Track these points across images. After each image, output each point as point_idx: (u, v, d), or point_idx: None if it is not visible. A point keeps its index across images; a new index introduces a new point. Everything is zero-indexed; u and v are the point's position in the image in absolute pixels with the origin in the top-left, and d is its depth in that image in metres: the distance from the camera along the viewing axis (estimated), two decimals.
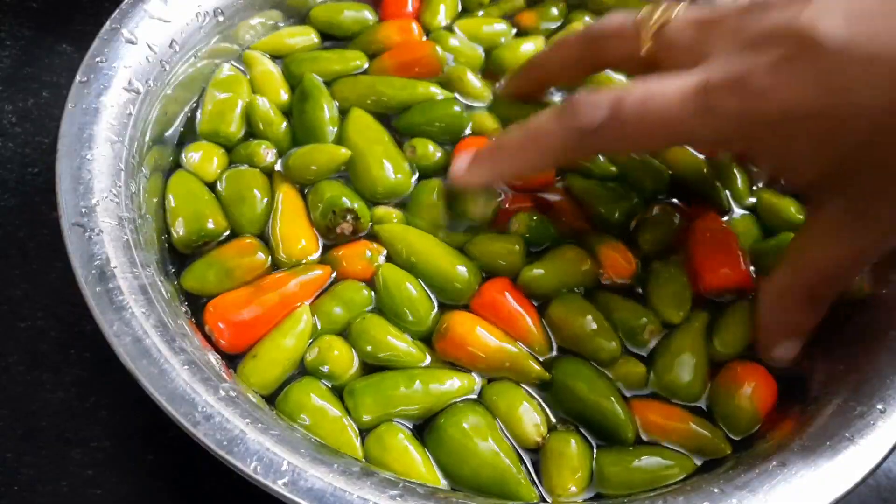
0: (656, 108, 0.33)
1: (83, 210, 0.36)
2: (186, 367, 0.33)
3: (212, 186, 0.44)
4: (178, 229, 0.41)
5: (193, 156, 0.44)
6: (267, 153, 0.44)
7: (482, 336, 0.39)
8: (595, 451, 0.38)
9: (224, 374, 0.35)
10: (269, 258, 0.41)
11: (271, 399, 0.37)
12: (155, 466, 0.39)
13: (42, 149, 0.49)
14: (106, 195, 0.37)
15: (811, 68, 0.30)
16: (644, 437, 0.38)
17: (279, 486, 0.30)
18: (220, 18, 0.47)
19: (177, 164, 0.44)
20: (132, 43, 0.42)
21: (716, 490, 0.33)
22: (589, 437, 0.38)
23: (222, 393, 0.32)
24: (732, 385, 0.39)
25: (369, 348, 0.39)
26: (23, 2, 0.56)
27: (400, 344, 0.39)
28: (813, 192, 0.35)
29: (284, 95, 0.48)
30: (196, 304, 0.40)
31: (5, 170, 0.47)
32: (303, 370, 0.38)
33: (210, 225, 0.41)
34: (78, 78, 0.40)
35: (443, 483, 0.36)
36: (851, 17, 0.30)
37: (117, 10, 0.43)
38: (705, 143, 0.37)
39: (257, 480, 0.30)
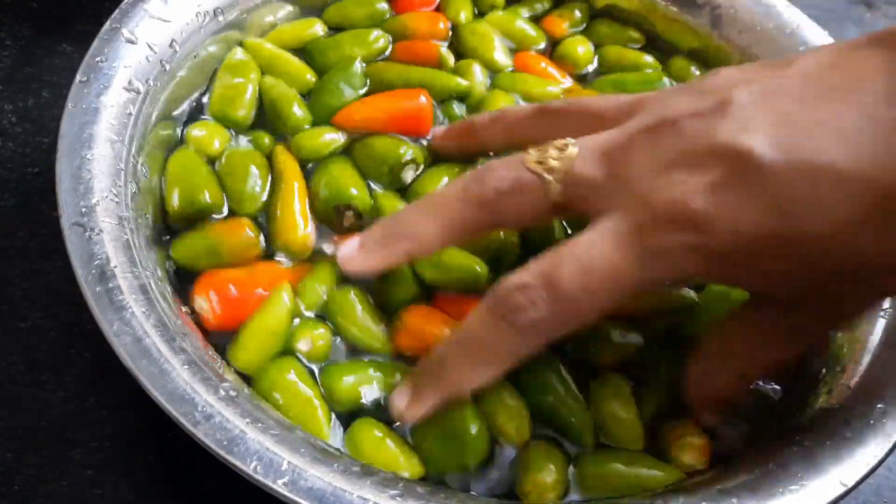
0: (597, 270, 0.29)
1: (83, 210, 0.36)
2: (186, 366, 0.33)
3: (212, 164, 0.44)
4: (173, 201, 0.41)
5: (197, 133, 0.44)
6: (270, 146, 0.45)
7: (435, 329, 0.38)
8: (573, 458, 0.37)
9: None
10: (261, 240, 0.41)
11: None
12: (155, 466, 0.39)
13: (42, 149, 0.49)
14: (106, 195, 0.37)
15: (757, 191, 0.27)
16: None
17: (279, 486, 0.30)
18: (221, 18, 0.47)
19: (181, 142, 0.45)
20: (132, 43, 0.42)
21: (716, 490, 0.33)
22: (566, 445, 0.38)
23: (222, 393, 0.33)
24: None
25: (341, 321, 0.39)
26: (23, 1, 0.56)
27: (371, 326, 0.39)
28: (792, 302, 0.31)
29: (310, 77, 0.49)
30: (187, 297, 0.40)
31: (5, 170, 0.47)
32: (286, 351, 0.39)
33: (205, 198, 0.41)
34: (78, 78, 0.40)
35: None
36: (786, 130, 0.27)
37: (117, 10, 0.43)
38: (658, 286, 0.33)
39: (257, 480, 0.30)
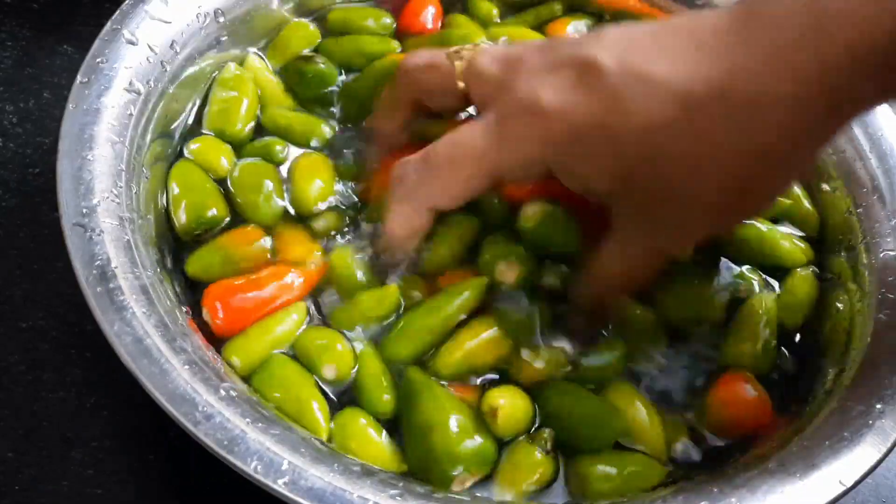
0: (462, 146, 0.36)
1: (84, 210, 0.36)
2: (187, 366, 0.33)
3: (219, 179, 0.44)
4: (180, 217, 0.42)
5: (198, 148, 0.45)
6: (282, 151, 0.46)
7: None
8: (561, 458, 0.37)
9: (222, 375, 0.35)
10: (272, 246, 0.42)
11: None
12: (155, 466, 0.39)
13: (43, 149, 0.49)
14: (107, 195, 0.37)
15: (594, 90, 0.33)
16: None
17: (279, 486, 0.30)
18: (221, 20, 0.47)
19: (180, 155, 0.45)
20: (133, 44, 0.42)
21: (715, 490, 0.33)
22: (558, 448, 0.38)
23: (223, 393, 0.33)
24: (725, 398, 0.40)
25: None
26: (24, 2, 0.56)
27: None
28: (610, 202, 0.37)
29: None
30: (197, 300, 0.40)
31: (6, 170, 0.48)
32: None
33: (211, 213, 0.42)
34: (79, 79, 0.40)
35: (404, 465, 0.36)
36: (629, 48, 0.33)
37: (118, 11, 0.43)
38: (514, 173, 0.37)
39: (258, 480, 0.30)
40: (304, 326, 0.40)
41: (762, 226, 0.45)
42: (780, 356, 0.42)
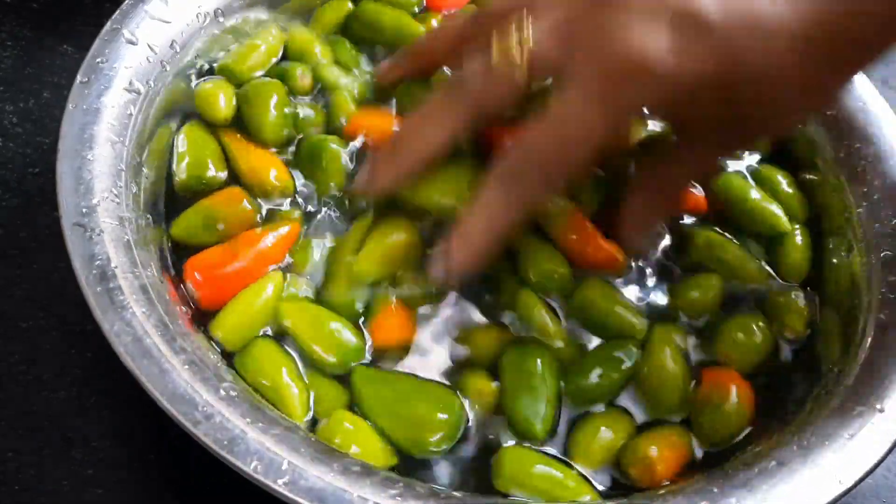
0: (568, 125, 0.33)
1: (84, 210, 0.36)
2: (187, 366, 0.33)
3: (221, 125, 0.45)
4: (181, 173, 0.42)
5: (203, 88, 0.45)
6: (304, 77, 0.46)
7: None
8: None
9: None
10: (258, 208, 0.42)
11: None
12: (156, 466, 0.39)
13: (43, 149, 0.49)
14: (107, 195, 0.37)
15: (701, 39, 0.32)
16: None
17: (279, 486, 0.30)
18: (221, 19, 0.47)
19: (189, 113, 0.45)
20: (133, 43, 0.42)
21: (715, 489, 0.33)
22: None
23: (223, 392, 0.33)
24: (715, 394, 0.39)
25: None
26: (24, 2, 0.56)
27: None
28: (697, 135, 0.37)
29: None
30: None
31: (6, 170, 0.48)
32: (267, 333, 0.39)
33: (210, 172, 0.43)
34: (79, 78, 0.40)
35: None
36: None
37: (118, 11, 0.43)
38: (616, 138, 0.37)
39: (257, 480, 0.30)
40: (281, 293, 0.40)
41: (756, 194, 0.45)
42: (779, 356, 0.43)
